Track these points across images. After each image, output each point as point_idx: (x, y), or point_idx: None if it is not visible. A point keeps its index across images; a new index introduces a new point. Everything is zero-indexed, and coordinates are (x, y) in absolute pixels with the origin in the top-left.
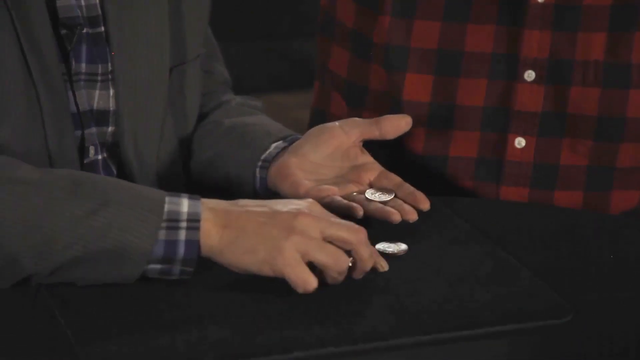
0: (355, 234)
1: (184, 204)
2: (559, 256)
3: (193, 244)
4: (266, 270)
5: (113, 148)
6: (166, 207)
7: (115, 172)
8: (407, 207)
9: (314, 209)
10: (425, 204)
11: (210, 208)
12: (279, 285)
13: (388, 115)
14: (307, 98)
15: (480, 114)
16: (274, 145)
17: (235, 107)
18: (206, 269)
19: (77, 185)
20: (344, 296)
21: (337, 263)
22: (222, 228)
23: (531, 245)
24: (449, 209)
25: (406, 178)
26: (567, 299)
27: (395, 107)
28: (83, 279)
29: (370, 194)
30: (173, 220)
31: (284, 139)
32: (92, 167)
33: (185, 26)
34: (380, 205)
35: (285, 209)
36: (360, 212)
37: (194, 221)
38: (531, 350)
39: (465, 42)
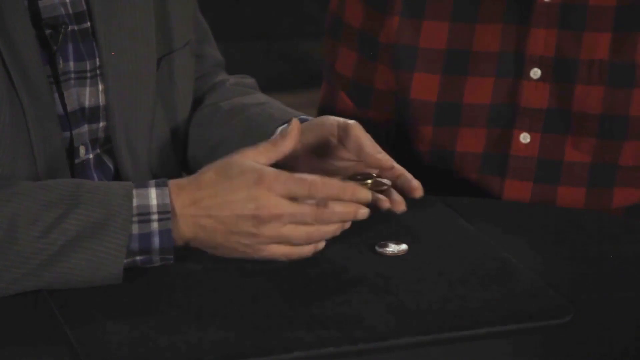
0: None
1: (152, 195)
2: (559, 256)
3: (167, 233)
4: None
5: (105, 143)
6: (135, 201)
7: (112, 167)
8: (397, 196)
9: (268, 176)
10: (417, 192)
11: (177, 197)
12: (279, 285)
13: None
14: (307, 98)
15: (487, 111)
16: (279, 129)
17: (231, 88)
18: (206, 268)
19: (44, 191)
20: (344, 296)
21: (306, 240)
22: (193, 226)
23: (531, 245)
24: (449, 209)
25: (412, 171)
26: (567, 299)
27: (402, 107)
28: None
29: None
30: (144, 214)
31: (287, 122)
32: (82, 167)
33: (171, 14)
34: (372, 191)
35: (242, 196)
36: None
37: (164, 212)
38: (531, 350)
39: (473, 41)
